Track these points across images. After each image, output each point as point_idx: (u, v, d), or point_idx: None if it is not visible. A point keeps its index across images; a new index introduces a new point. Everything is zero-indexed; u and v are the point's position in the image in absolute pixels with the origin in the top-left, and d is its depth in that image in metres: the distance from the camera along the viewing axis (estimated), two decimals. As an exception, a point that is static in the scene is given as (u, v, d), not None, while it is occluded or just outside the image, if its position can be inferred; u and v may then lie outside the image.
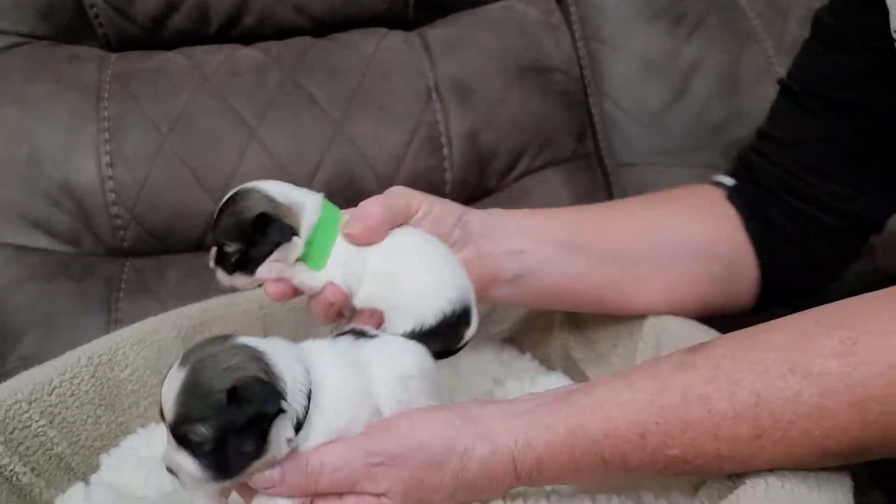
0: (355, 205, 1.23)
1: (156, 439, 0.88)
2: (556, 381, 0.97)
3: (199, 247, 1.24)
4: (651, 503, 0.71)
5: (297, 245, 0.73)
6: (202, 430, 0.59)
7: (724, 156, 1.31)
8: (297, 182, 1.22)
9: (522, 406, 0.68)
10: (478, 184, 1.30)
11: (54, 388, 0.84)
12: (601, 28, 1.37)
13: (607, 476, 0.67)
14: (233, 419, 0.59)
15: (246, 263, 0.73)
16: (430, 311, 0.73)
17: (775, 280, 0.92)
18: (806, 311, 0.65)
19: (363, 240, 0.74)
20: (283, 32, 1.32)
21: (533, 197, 1.30)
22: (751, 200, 0.93)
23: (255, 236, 0.72)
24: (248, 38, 1.32)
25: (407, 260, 0.75)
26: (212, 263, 0.76)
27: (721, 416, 0.61)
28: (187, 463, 0.60)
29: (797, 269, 0.92)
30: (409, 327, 0.72)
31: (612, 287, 0.89)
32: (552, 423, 0.65)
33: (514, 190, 1.31)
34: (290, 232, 0.73)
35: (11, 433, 0.77)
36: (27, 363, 1.08)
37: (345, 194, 1.25)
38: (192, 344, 0.93)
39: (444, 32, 1.34)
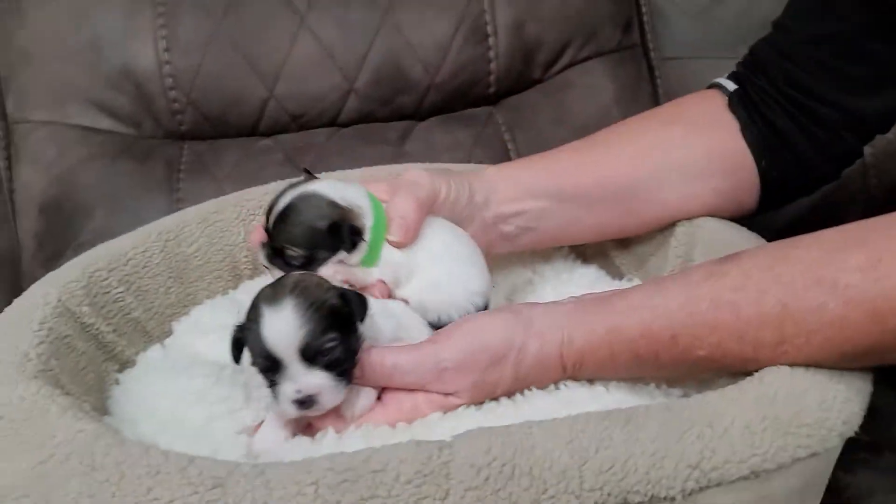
0: (403, 95, 1.28)
1: (221, 309, 0.96)
2: (592, 273, 1.02)
3: (253, 131, 1.30)
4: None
5: (363, 249, 0.78)
6: (333, 338, 0.66)
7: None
8: (345, 71, 1.27)
9: (565, 307, 0.74)
10: (522, 75, 1.32)
11: (129, 259, 0.92)
12: (653, -85, 1.34)
13: (641, 371, 0.72)
14: (350, 318, 0.67)
15: (308, 265, 0.77)
16: (456, 313, 0.80)
17: (776, 183, 0.94)
18: (835, 227, 0.68)
19: (406, 244, 0.80)
20: (330, -82, 1.32)
21: (576, 89, 1.32)
22: (751, 103, 0.93)
23: (327, 243, 0.76)
24: (297, -77, 1.32)
25: (446, 264, 0.81)
26: (265, 262, 0.78)
27: (747, 322, 0.65)
28: (326, 380, 0.66)
29: (796, 171, 0.93)
30: (434, 321, 0.80)
31: (609, 224, 0.95)
32: (592, 322, 0.71)
33: (557, 81, 1.33)
34: (361, 237, 0.77)
35: (95, 297, 0.86)
36: (98, 237, 1.16)
37: (393, 84, 1.29)
38: (252, 221, 1.02)
39: (493, -79, 1.33)
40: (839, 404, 0.62)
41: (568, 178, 0.92)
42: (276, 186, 1.05)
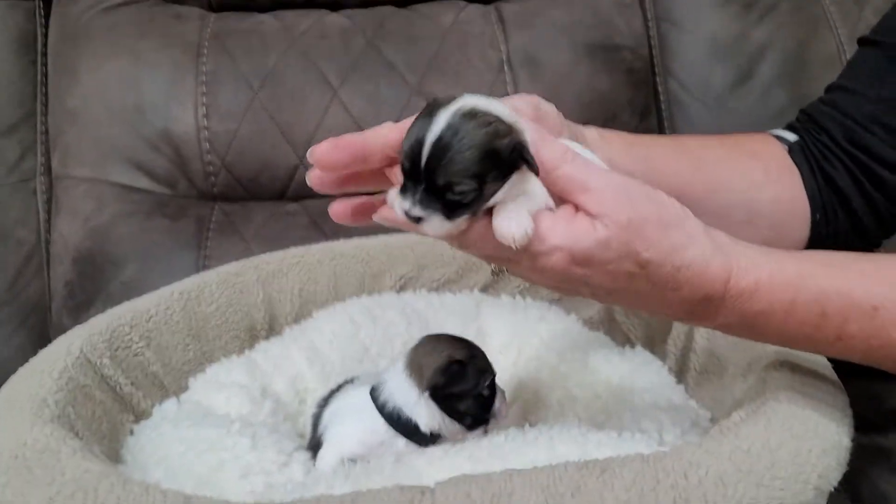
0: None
1: (237, 368, 1.00)
2: (597, 338, 1.05)
3: (282, 196, 1.36)
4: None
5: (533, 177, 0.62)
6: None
7: (784, 139, 1.34)
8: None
9: (759, 245, 0.68)
10: (541, 154, 1.37)
11: (151, 317, 0.96)
12: (672, 9, 1.40)
13: (814, 336, 0.66)
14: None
15: (475, 202, 0.60)
16: None
17: (823, 238, 0.92)
18: None
19: None
20: (367, 0, 1.40)
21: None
22: (812, 156, 0.92)
23: (503, 169, 0.60)
24: (336, 5, 1.41)
25: None
26: (417, 210, 0.60)
27: None
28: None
29: (848, 230, 0.92)
30: None
31: None
32: (784, 261, 0.66)
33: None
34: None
35: (116, 350, 0.90)
36: (127, 289, 1.23)
37: (416, 157, 1.35)
38: (270, 284, 1.07)
39: (519, 7, 1.40)
40: (815, 458, 0.64)
41: (655, 165, 0.86)
42: (295, 251, 1.11)
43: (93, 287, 1.28)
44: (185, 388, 0.98)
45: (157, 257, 1.29)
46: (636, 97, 1.38)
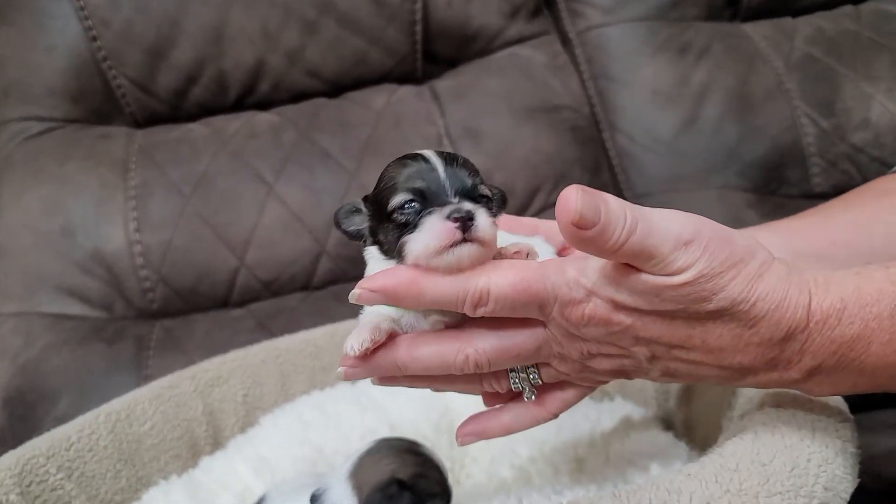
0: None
1: (177, 491, 0.89)
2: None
3: (226, 303, 1.27)
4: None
5: None
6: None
7: (741, 175, 1.29)
8: (315, 233, 1.26)
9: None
10: (494, 224, 1.30)
11: (72, 444, 0.86)
12: (608, 66, 1.38)
13: None
14: None
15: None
16: None
17: None
18: None
19: None
20: (297, 96, 1.37)
21: (551, 233, 1.30)
22: None
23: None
24: (265, 105, 1.37)
25: None
26: (468, 205, 0.60)
27: None
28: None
29: None
30: None
31: None
32: (867, 270, 0.57)
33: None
34: None
35: (28, 486, 0.79)
36: (61, 424, 1.11)
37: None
38: (210, 394, 0.98)
39: (453, 82, 1.37)
40: (815, 468, 0.55)
41: (802, 239, 0.81)
42: (234, 354, 1.02)
43: (24, 428, 1.15)
44: (116, 523, 0.86)
45: (93, 386, 1.18)
46: (584, 154, 1.34)
